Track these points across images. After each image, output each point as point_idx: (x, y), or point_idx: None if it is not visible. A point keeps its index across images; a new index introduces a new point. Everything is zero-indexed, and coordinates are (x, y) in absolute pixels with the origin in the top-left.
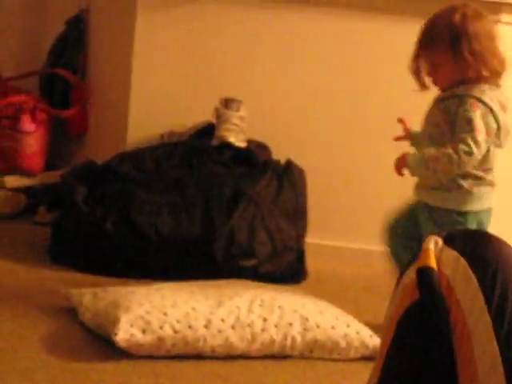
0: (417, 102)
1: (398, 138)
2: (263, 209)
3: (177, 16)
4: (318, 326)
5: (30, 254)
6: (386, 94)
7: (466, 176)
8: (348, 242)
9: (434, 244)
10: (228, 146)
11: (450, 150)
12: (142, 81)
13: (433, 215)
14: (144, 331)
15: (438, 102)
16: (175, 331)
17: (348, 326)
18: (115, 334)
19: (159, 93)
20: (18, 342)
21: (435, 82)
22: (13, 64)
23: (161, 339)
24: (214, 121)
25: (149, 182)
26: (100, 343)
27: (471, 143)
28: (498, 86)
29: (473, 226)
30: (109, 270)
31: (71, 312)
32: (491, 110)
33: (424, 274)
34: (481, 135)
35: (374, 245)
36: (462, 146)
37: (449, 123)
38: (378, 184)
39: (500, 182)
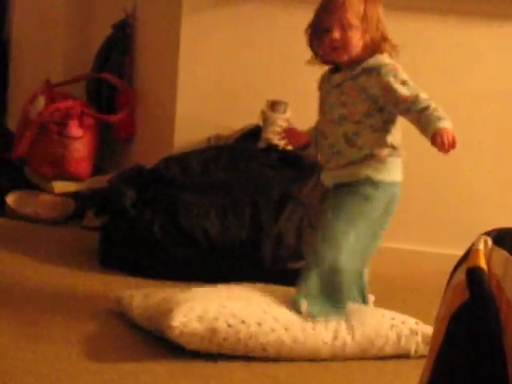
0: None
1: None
2: (310, 211)
3: (222, 18)
4: (362, 324)
5: (78, 259)
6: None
7: (382, 145)
8: (397, 242)
9: (483, 244)
10: (274, 148)
11: (433, 103)
12: (188, 84)
13: (347, 190)
14: (199, 320)
15: (345, 82)
16: (229, 325)
17: (393, 318)
18: (171, 319)
19: (205, 96)
20: (68, 346)
21: (342, 48)
22: (60, 70)
23: (214, 331)
24: (260, 123)
25: (196, 185)
26: (149, 346)
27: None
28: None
29: (386, 198)
30: (157, 273)
31: (121, 315)
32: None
33: (474, 274)
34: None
35: (423, 245)
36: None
37: (367, 100)
38: (426, 184)
39: None
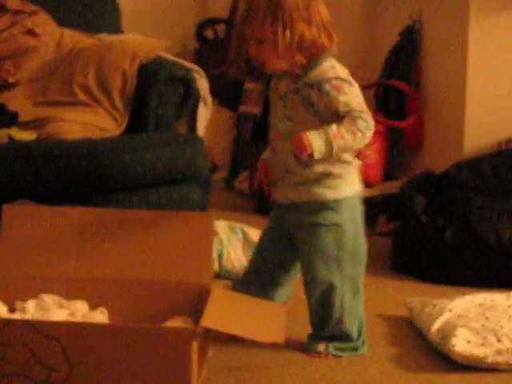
0: None
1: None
2: None
3: (510, 18)
4: None
5: (370, 263)
6: None
7: (335, 162)
8: None
9: None
10: None
11: (352, 127)
12: (477, 88)
13: (306, 213)
14: (483, 344)
15: (289, 94)
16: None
17: None
18: (453, 346)
19: (495, 99)
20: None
21: (262, 64)
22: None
23: (500, 352)
24: None
25: (487, 189)
26: (443, 355)
27: (366, 117)
28: (333, 55)
29: (351, 212)
30: (448, 279)
31: (407, 321)
32: (351, 84)
33: None
34: (366, 107)
35: None
36: (360, 122)
37: (313, 114)
38: None
39: None
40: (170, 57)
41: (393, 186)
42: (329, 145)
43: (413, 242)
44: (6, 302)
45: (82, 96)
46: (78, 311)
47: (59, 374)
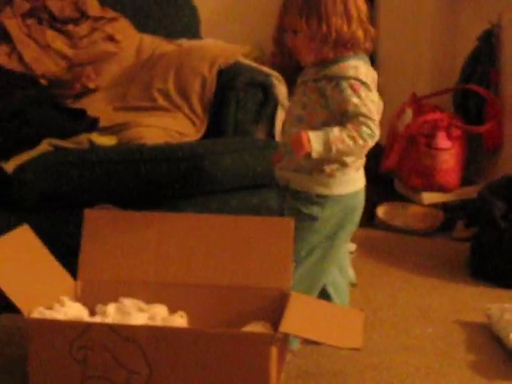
0: None
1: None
2: None
3: None
4: None
5: (448, 269)
6: None
7: (331, 161)
8: None
9: None
10: None
11: (354, 133)
12: None
13: (292, 198)
14: None
15: (309, 82)
16: None
17: None
18: None
19: None
20: (442, 360)
21: (297, 54)
22: (426, 82)
23: None
24: None
25: None
26: None
27: (372, 126)
28: (367, 51)
29: (338, 212)
30: None
31: (486, 327)
32: (369, 88)
33: None
34: (375, 115)
35: None
36: (365, 129)
37: (326, 109)
38: None
39: None
40: (249, 62)
41: (471, 191)
42: (328, 148)
43: (491, 248)
44: (86, 305)
45: (161, 101)
46: (158, 315)
47: (139, 378)
